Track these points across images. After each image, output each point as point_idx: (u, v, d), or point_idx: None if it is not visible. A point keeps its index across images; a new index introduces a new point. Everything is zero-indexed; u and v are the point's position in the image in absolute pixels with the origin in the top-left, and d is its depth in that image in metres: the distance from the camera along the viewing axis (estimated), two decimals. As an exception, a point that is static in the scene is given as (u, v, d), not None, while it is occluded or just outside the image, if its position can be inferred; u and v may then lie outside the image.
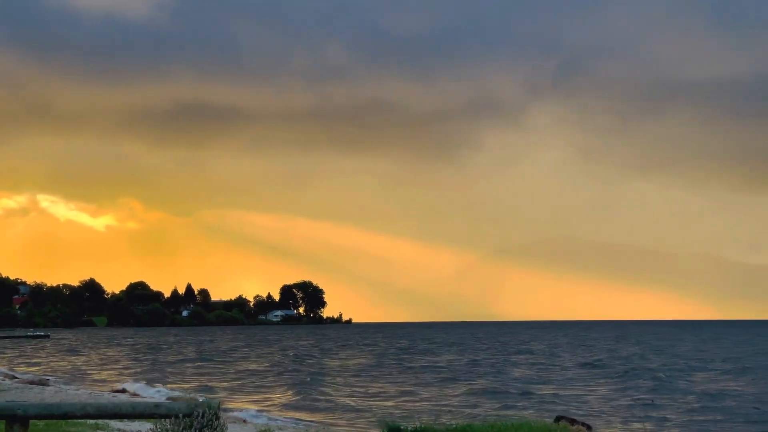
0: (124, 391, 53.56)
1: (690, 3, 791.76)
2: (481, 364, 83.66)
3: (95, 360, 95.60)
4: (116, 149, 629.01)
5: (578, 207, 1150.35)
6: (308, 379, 63.88)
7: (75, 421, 26.82)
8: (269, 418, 41.02)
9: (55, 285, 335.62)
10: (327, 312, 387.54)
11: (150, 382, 59.30)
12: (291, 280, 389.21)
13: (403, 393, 53.61)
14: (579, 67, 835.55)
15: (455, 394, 53.00)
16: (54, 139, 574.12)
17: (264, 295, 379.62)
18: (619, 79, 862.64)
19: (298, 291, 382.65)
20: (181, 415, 16.42)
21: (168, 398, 43.65)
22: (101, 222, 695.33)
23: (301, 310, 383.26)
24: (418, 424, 27.16)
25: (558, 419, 33.85)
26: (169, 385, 58.11)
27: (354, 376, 68.12)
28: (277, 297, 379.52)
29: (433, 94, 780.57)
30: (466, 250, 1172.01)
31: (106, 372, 74.97)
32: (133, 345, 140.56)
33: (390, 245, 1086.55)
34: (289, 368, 77.59)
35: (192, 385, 60.09)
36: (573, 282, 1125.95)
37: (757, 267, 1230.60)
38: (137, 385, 56.48)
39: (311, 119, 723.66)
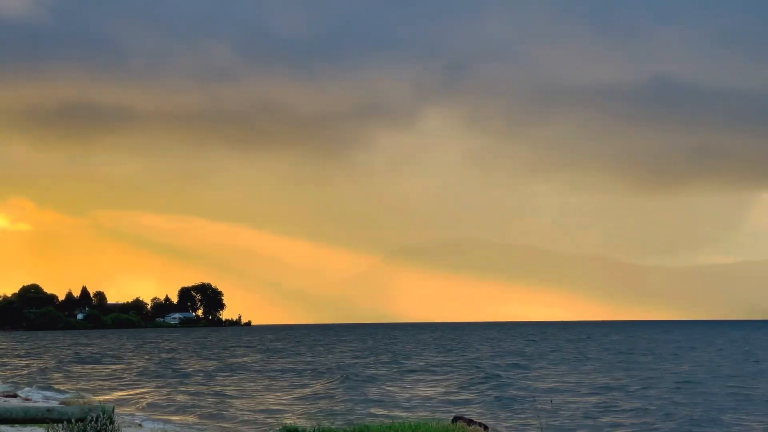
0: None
1: (568, 10, 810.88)
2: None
3: None
4: (2, 149, 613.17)
5: (473, 208, 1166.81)
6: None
7: (-37, 427, 26.21)
8: (163, 422, 40.54)
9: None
10: (226, 314, 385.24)
11: None
12: (189, 282, 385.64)
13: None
14: (465, 70, 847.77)
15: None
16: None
17: (162, 297, 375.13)
18: (505, 83, 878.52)
19: (196, 293, 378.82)
20: (74, 420, 16.20)
21: (61, 402, 42.76)
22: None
23: (200, 312, 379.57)
24: (316, 425, 27.27)
25: (455, 420, 34.34)
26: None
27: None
28: (175, 299, 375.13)
29: (321, 95, 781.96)
30: (364, 252, 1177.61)
31: None
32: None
33: (288, 246, 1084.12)
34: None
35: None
36: (468, 283, 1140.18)
37: (649, 268, 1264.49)
38: None
39: (201, 120, 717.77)
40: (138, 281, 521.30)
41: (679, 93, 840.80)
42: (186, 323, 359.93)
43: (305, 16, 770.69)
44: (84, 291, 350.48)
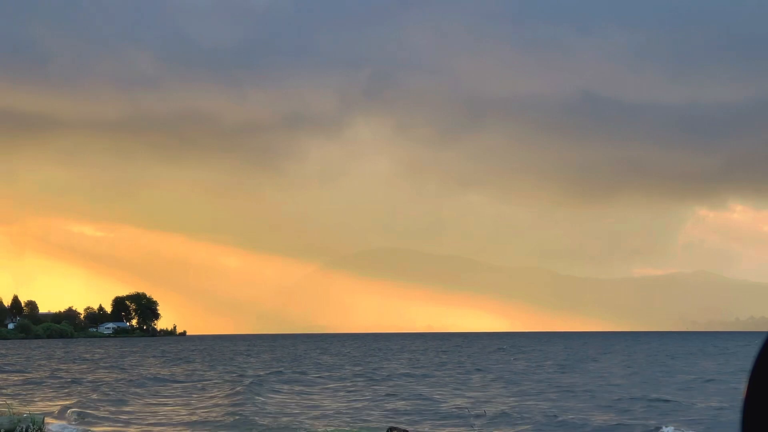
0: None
1: (492, 22, 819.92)
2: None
3: None
4: None
5: (406, 218, 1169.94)
6: None
7: None
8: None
9: None
10: (161, 324, 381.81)
11: None
12: (123, 292, 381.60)
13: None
14: (389, 80, 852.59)
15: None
16: None
17: (95, 306, 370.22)
18: (432, 93, 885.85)
19: (131, 303, 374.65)
20: (2, 431, 16.10)
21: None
22: None
23: (134, 322, 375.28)
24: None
25: (390, 430, 34.64)
26: None
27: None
28: (109, 309, 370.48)
29: (246, 105, 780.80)
30: (299, 262, 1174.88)
31: None
32: None
33: (223, 256, 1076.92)
34: None
35: None
36: (401, 294, 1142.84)
37: (582, 279, 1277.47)
38: None
39: (125, 128, 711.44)
40: (71, 290, 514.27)
41: (603, 106, 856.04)
42: (120, 333, 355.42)
43: (228, 25, 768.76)
44: (15, 300, 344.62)
